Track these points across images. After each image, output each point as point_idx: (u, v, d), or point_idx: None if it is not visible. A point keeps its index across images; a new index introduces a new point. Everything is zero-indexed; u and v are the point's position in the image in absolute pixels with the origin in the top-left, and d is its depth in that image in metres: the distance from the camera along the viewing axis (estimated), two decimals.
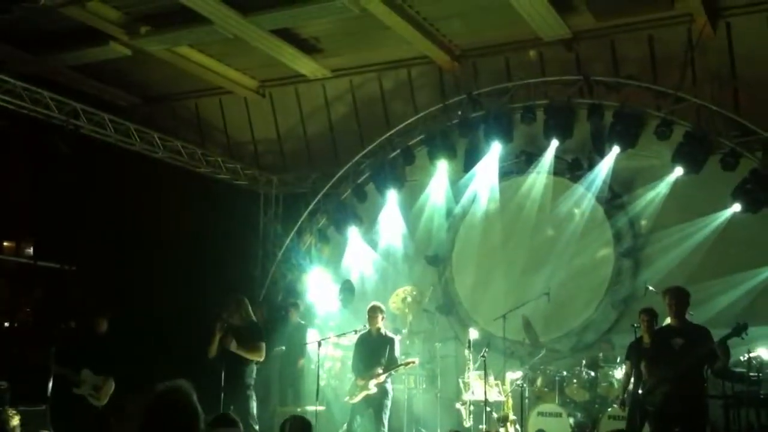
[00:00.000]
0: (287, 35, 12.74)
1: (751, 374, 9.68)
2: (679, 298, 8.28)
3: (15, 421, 7.50)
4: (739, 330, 7.93)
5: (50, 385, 9.34)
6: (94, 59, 13.40)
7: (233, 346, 9.32)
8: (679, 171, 11.56)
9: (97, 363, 9.59)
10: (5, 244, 12.33)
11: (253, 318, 10.00)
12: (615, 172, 11.99)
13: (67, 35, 12.56)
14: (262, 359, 9.86)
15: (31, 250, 12.53)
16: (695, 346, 8.00)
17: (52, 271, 12.53)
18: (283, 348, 12.15)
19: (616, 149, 11.88)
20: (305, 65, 13.75)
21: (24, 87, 11.48)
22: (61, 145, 11.70)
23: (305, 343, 12.46)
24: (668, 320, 8.61)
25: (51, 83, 12.47)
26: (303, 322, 12.90)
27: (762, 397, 9.68)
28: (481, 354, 10.43)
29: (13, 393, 9.92)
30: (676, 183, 11.58)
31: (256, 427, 9.28)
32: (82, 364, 9.52)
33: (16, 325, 12.06)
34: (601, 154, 12.08)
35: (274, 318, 12.89)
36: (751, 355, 9.72)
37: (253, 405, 9.52)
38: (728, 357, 8.01)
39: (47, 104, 11.78)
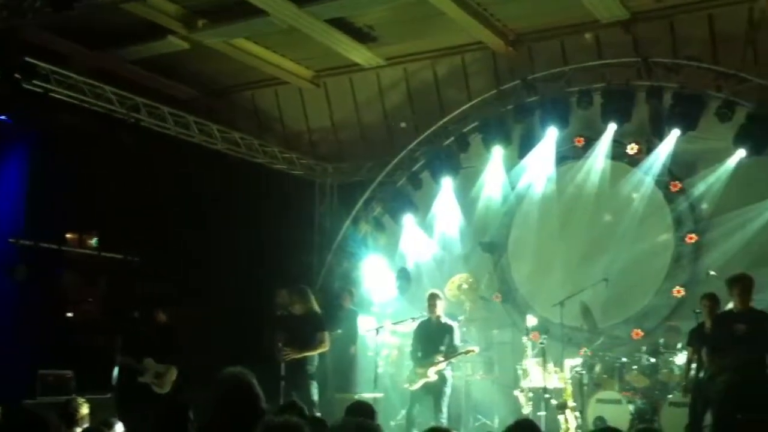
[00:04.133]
0: (342, 24, 12.78)
1: None
2: (743, 285, 8.17)
3: (85, 409, 7.67)
4: None
5: (115, 374, 9.59)
6: (153, 53, 13.60)
7: (294, 354, 9.55)
8: (741, 153, 11.28)
9: (160, 352, 9.78)
10: (68, 235, 12.64)
11: (315, 307, 10.15)
12: (675, 156, 11.78)
13: (127, 30, 12.77)
14: (327, 348, 10.04)
15: (94, 242, 12.82)
16: (757, 332, 7.88)
17: (116, 263, 12.82)
18: (340, 331, 12.25)
19: (675, 132, 11.66)
20: (360, 54, 13.77)
21: (86, 82, 11.77)
22: (124, 137, 11.99)
23: (357, 330, 12.60)
24: (729, 305, 8.49)
25: (111, 77, 12.73)
26: (355, 308, 13.02)
27: None
28: (540, 341, 10.39)
29: (78, 382, 10.21)
30: (739, 166, 11.31)
31: (318, 414, 9.42)
32: (145, 354, 9.73)
33: (80, 315, 12.38)
34: (661, 138, 11.87)
35: (329, 305, 13.01)
36: None
37: (315, 392, 9.71)
38: None
39: (109, 98, 12.06)
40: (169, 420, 5.04)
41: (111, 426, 7.71)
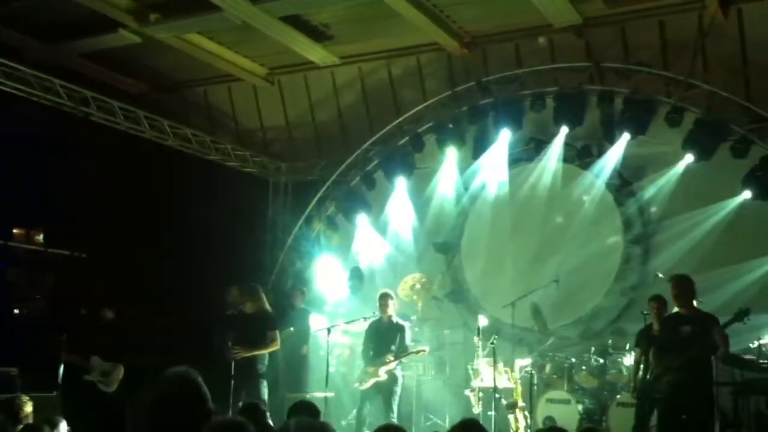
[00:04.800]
0: (297, 22, 12.72)
1: (761, 361, 9.66)
2: (683, 287, 8.27)
3: (28, 407, 7.54)
4: (741, 315, 7.94)
5: (61, 371, 9.42)
6: (105, 47, 13.40)
7: (244, 352, 9.45)
8: (689, 158, 11.47)
9: (107, 350, 9.62)
10: (15, 231, 12.40)
11: (267, 306, 10.07)
12: (625, 159, 11.95)
13: (78, 23, 12.57)
14: (278, 347, 9.97)
15: (41, 238, 12.60)
16: (703, 334, 7.99)
17: (63, 259, 12.61)
18: (292, 329, 12.18)
19: (626, 136, 11.82)
20: (315, 52, 13.72)
21: (34, 75, 11.55)
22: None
23: (309, 329, 12.54)
24: (676, 308, 8.60)
25: (63, 71, 12.51)
26: (307, 307, 12.95)
27: None
28: (490, 341, 10.45)
29: (23, 380, 10.01)
30: (687, 170, 11.50)
31: (267, 414, 9.34)
32: (92, 351, 9.56)
33: (26, 312, 12.16)
34: (611, 141, 12.03)
35: (281, 304, 12.93)
36: (761, 342, 9.71)
37: (265, 392, 9.63)
38: (727, 343, 8.00)
39: (57, 92, 11.85)
40: (110, 419, 4.97)
41: (55, 424, 7.57)
